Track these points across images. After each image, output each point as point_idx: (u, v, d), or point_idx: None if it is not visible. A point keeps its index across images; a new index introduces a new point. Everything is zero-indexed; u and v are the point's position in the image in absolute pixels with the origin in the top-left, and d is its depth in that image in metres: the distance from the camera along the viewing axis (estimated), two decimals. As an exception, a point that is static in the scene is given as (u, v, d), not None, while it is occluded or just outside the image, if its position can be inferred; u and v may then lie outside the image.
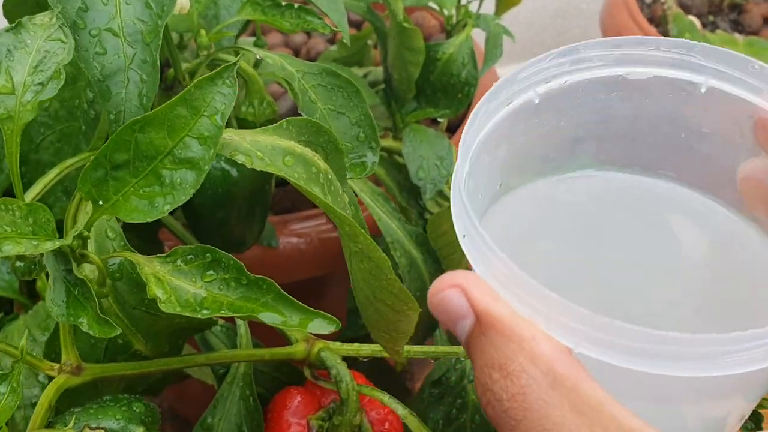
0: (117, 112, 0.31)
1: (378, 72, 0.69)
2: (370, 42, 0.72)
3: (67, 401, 0.34)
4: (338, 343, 0.49)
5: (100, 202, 0.28)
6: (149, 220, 0.28)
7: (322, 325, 0.28)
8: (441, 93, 0.65)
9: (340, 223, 0.27)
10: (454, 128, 0.72)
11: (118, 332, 0.27)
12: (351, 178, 0.46)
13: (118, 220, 0.32)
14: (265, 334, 0.52)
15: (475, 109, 0.27)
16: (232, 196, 0.47)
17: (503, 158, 0.29)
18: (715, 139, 0.28)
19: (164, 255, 0.29)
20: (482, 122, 0.27)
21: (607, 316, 0.22)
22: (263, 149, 0.27)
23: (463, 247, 0.24)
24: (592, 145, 0.30)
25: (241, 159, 0.27)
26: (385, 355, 0.49)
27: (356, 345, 0.49)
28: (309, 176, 0.28)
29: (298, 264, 0.65)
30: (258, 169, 0.27)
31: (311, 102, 0.42)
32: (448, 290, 0.24)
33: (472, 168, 0.27)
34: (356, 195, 0.58)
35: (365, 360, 0.50)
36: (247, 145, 0.27)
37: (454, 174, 0.26)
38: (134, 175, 0.28)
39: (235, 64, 0.28)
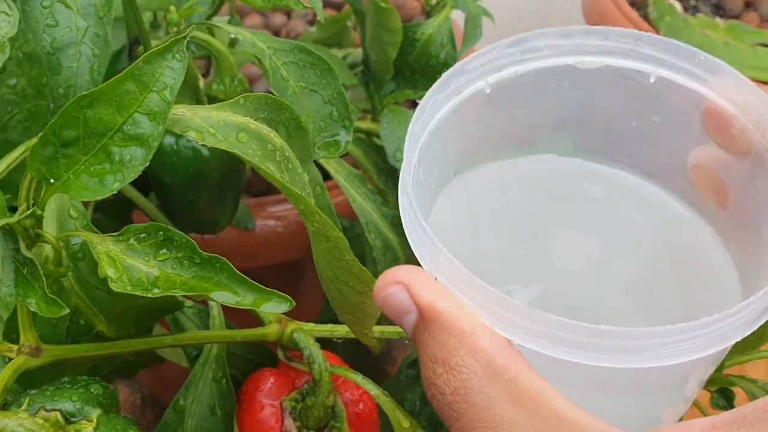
0: (67, 86, 0.31)
1: (358, 54, 0.69)
2: (349, 23, 0.71)
3: (30, 383, 0.33)
4: (312, 324, 0.49)
5: (51, 180, 0.28)
6: (98, 198, 0.27)
7: (277, 305, 0.28)
8: (420, 74, 0.65)
9: (296, 201, 0.26)
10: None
11: (66, 311, 0.27)
12: (324, 157, 0.45)
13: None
14: (239, 315, 0.52)
15: (423, 100, 0.27)
16: (203, 176, 0.47)
17: (456, 148, 0.29)
18: (665, 127, 0.29)
19: (118, 233, 0.29)
20: (431, 113, 0.28)
21: (543, 310, 0.23)
22: (215, 125, 0.27)
23: (410, 242, 0.25)
24: (546, 132, 0.31)
25: (192, 135, 0.27)
26: (360, 336, 0.48)
27: (330, 326, 0.49)
28: (264, 153, 0.27)
29: (276, 247, 0.65)
30: (209, 145, 0.26)
31: (283, 79, 0.42)
32: (391, 287, 0.25)
33: (422, 158, 0.27)
34: (331, 176, 0.57)
35: (339, 341, 0.50)
36: (199, 120, 0.27)
37: (402, 166, 0.26)
38: (84, 152, 0.27)
39: (185, 37, 0.27)
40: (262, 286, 0.29)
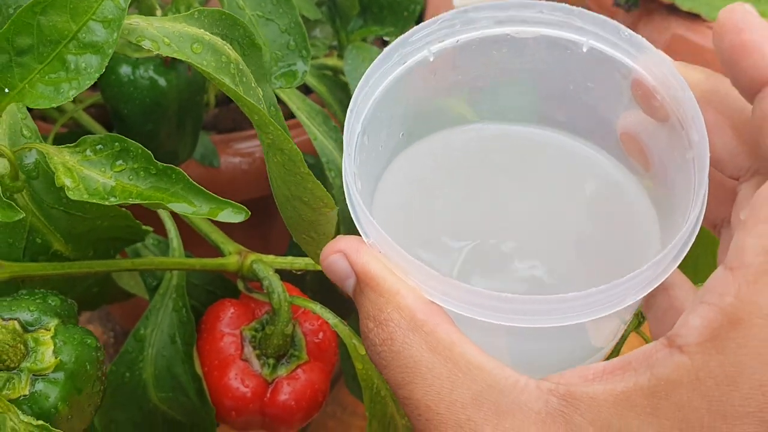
0: (17, 5, 0.30)
1: (328, -10, 0.68)
2: (318, -42, 0.70)
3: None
4: (271, 256, 0.49)
5: (6, 90, 0.28)
6: (54, 105, 0.27)
7: (231, 214, 0.29)
8: (387, 11, 0.65)
9: (250, 112, 0.27)
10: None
11: (21, 215, 0.27)
12: (282, 86, 0.45)
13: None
14: (200, 250, 0.53)
15: (366, 73, 0.29)
16: (161, 107, 0.47)
17: (403, 113, 0.31)
18: (598, 92, 0.31)
19: (73, 144, 0.29)
20: (375, 84, 0.29)
21: (454, 278, 0.26)
22: (170, 35, 0.27)
23: (350, 211, 0.28)
24: (490, 96, 0.33)
25: (147, 45, 0.27)
26: (319, 267, 0.49)
27: (290, 258, 0.50)
28: (218, 65, 0.28)
29: (241, 184, 0.65)
30: (164, 54, 0.27)
31: (239, 8, 0.42)
32: (333, 255, 0.28)
33: (366, 128, 0.29)
34: (293, 114, 0.57)
35: (299, 273, 0.51)
36: (154, 31, 0.27)
37: (345, 138, 0.28)
38: (39, 61, 0.27)
39: (139, -55, 0.27)
40: (218, 196, 0.29)
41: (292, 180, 0.29)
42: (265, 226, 0.67)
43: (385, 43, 0.73)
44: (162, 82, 0.47)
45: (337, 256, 0.28)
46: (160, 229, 0.51)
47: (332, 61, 0.66)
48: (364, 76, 0.29)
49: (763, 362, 0.23)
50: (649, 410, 0.23)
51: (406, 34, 0.30)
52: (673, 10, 0.75)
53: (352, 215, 0.28)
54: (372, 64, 0.29)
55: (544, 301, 0.25)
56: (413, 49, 0.30)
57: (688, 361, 0.23)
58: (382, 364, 0.27)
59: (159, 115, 0.48)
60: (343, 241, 0.28)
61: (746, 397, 0.23)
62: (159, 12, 0.49)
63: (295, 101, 0.57)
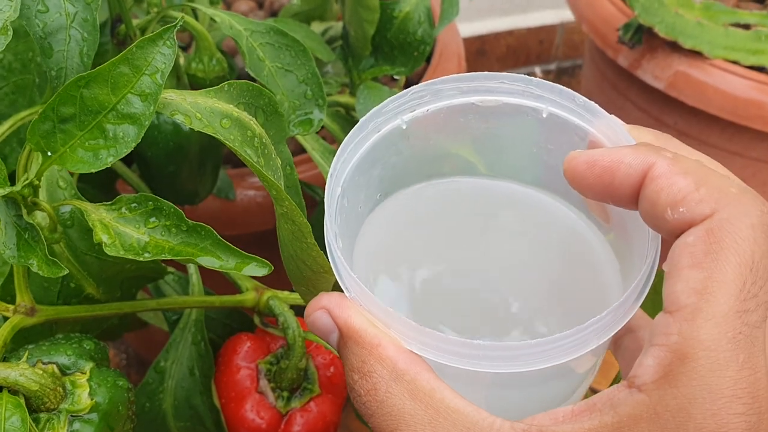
0: (58, 68, 0.33)
1: (339, 27, 0.71)
2: (331, -4, 0.73)
3: (24, 342, 0.36)
4: (287, 293, 0.51)
5: (49, 153, 0.30)
6: (93, 170, 0.30)
7: (256, 268, 0.31)
8: (397, 50, 0.67)
9: (269, 186, 0.29)
10: (411, 86, 0.74)
11: (65, 272, 0.29)
12: (299, 134, 0.48)
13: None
14: (217, 284, 0.55)
15: (344, 141, 0.31)
16: (183, 150, 0.49)
17: (379, 176, 0.34)
18: (559, 153, 0.33)
19: (110, 203, 0.31)
20: (353, 151, 0.32)
21: (430, 327, 0.27)
22: (202, 111, 0.29)
23: (334, 271, 0.29)
24: (458, 160, 0.35)
25: (180, 119, 0.29)
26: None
27: (304, 294, 0.52)
28: (244, 139, 0.30)
29: (255, 216, 0.67)
30: (196, 129, 0.29)
31: (259, 60, 0.44)
32: (316, 312, 0.29)
33: (345, 191, 0.31)
34: (306, 152, 0.60)
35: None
36: (188, 106, 0.29)
37: (325, 199, 0.30)
38: (80, 128, 0.29)
39: (175, 26, 0.29)
40: (243, 252, 0.31)
41: (298, 246, 0.31)
42: (277, 256, 0.70)
43: (394, 80, 0.76)
44: (185, 127, 0.49)
45: (321, 312, 0.29)
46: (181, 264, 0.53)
47: (344, 98, 0.68)
48: (342, 144, 0.31)
49: (711, 392, 0.25)
50: None
51: (380, 105, 0.32)
52: (676, 48, 0.77)
53: (334, 272, 0.29)
54: (350, 133, 0.32)
55: (510, 347, 0.27)
56: (387, 119, 0.33)
57: (646, 398, 0.25)
58: (368, 413, 0.28)
59: (181, 157, 0.50)
60: (326, 298, 0.29)
61: (700, 426, 0.25)
62: (182, 59, 0.51)
63: (309, 142, 0.59)
